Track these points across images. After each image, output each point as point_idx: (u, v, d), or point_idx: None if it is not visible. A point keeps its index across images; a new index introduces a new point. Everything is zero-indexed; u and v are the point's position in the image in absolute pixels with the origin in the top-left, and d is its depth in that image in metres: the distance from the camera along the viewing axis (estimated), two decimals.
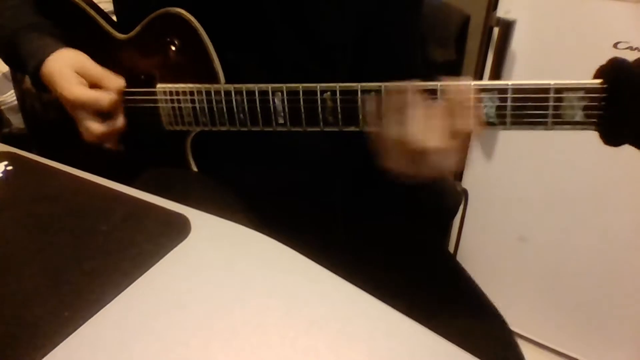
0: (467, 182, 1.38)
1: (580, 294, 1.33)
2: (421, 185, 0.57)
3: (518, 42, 1.18)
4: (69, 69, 0.65)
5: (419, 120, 0.50)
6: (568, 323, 1.38)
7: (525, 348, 0.64)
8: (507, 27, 1.16)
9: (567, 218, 1.27)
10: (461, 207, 0.92)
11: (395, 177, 0.58)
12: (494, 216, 1.39)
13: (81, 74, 0.65)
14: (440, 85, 0.51)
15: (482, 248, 1.44)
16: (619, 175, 1.16)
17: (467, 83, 0.50)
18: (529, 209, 1.33)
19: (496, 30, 1.18)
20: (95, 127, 0.66)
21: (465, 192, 1.00)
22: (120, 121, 0.67)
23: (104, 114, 0.66)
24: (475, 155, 1.35)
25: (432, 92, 0.51)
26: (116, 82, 0.66)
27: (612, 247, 1.23)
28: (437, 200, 0.83)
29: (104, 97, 0.65)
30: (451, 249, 1.37)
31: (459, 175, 1.39)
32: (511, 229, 1.38)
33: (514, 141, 1.28)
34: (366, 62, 0.68)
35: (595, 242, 1.25)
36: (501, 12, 1.17)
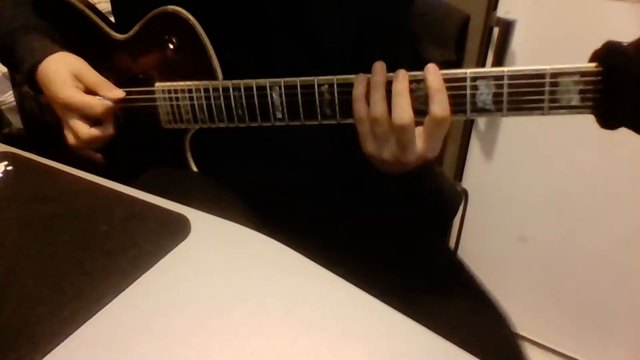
0: (467, 182, 1.38)
1: (581, 294, 1.33)
2: (421, 181, 0.57)
3: (518, 42, 1.18)
4: (67, 71, 0.65)
5: (384, 99, 0.53)
6: (568, 323, 1.38)
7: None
8: (507, 27, 1.17)
9: (567, 218, 1.27)
10: (461, 207, 0.92)
11: (377, 165, 0.58)
12: (494, 216, 1.39)
13: (78, 79, 0.65)
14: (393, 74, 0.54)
15: (482, 248, 1.44)
16: (619, 175, 1.16)
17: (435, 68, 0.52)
18: (529, 209, 1.33)
19: (496, 30, 1.18)
20: (83, 129, 0.65)
21: (465, 192, 1.00)
22: (109, 129, 0.67)
23: (94, 121, 0.66)
24: (475, 155, 1.35)
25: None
26: (114, 92, 0.66)
27: (612, 247, 1.23)
28: (437, 200, 0.83)
29: (98, 103, 0.64)
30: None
31: (459, 175, 1.39)
32: (511, 229, 1.38)
33: (514, 141, 1.28)
34: (364, 62, 0.69)
35: (595, 242, 1.25)
36: (501, 12, 1.17)
